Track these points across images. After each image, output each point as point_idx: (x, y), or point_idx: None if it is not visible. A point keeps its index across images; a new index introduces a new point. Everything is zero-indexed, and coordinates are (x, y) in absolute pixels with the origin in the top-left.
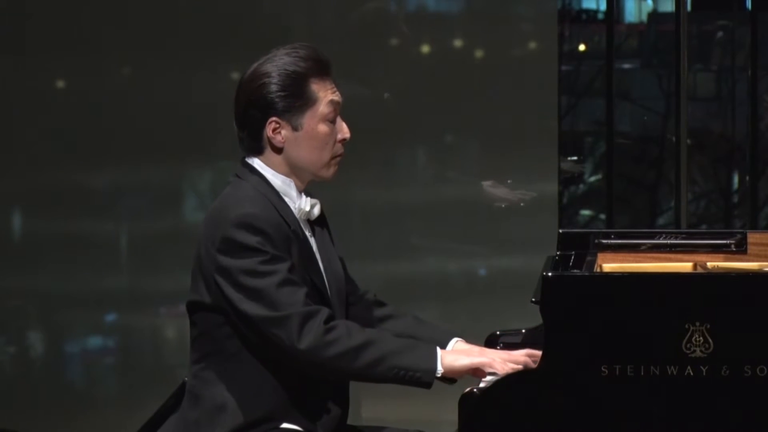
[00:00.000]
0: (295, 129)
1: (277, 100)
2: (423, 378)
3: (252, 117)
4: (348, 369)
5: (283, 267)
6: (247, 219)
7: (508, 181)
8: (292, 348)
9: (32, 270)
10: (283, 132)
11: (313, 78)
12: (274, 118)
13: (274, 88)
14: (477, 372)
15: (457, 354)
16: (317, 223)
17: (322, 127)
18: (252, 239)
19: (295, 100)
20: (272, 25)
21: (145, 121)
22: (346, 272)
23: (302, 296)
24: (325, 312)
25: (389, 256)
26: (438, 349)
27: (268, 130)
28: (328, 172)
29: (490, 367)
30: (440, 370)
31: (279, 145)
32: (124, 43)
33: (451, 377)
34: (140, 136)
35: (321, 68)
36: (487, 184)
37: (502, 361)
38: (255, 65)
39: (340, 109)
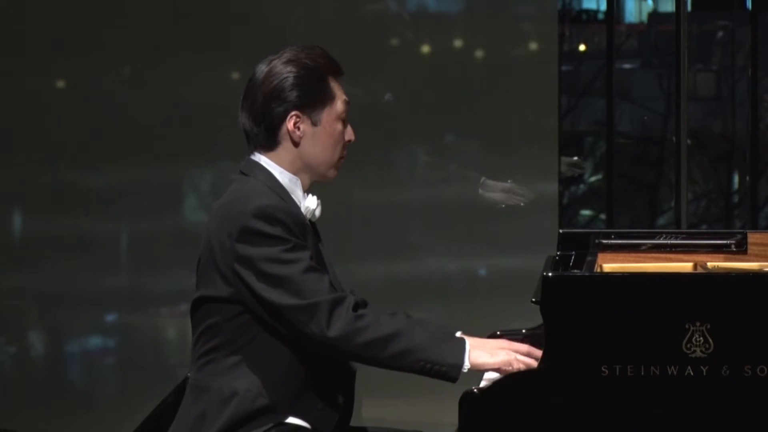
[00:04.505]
0: (314, 124)
1: (299, 94)
2: (449, 373)
3: (273, 111)
4: (375, 358)
5: (305, 255)
6: (267, 210)
7: (509, 181)
8: (322, 335)
9: (32, 270)
10: (302, 126)
11: (330, 75)
12: (295, 112)
13: (297, 81)
14: (499, 369)
15: (483, 351)
16: (315, 227)
17: (338, 126)
18: (273, 229)
19: (317, 94)
20: (272, 25)
21: (145, 121)
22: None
23: (327, 283)
24: (351, 299)
25: (389, 256)
26: (467, 343)
27: (289, 124)
28: (333, 174)
29: (510, 367)
30: (467, 365)
31: (297, 139)
32: (124, 43)
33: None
34: (140, 136)
35: (336, 68)
36: (485, 181)
37: (519, 363)
38: (270, 62)
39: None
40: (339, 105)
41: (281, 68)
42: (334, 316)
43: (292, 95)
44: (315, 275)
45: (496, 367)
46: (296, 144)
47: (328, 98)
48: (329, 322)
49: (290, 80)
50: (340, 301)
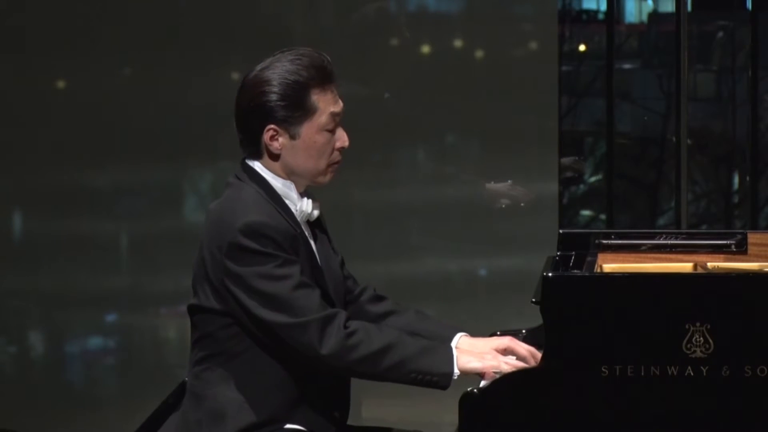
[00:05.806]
0: (292, 138)
1: (276, 108)
2: (440, 382)
3: (250, 122)
4: (368, 372)
5: (295, 270)
6: (255, 226)
7: (509, 181)
8: (314, 353)
9: (32, 270)
10: (281, 140)
11: (314, 88)
12: (272, 126)
13: (273, 96)
14: (486, 374)
15: (470, 356)
16: (316, 225)
17: (320, 137)
18: (262, 246)
19: (295, 110)
20: (272, 25)
21: (145, 121)
22: (345, 269)
23: (318, 299)
24: (343, 315)
25: (389, 256)
26: (454, 350)
27: (266, 137)
28: (324, 179)
29: (498, 368)
30: (457, 373)
31: (276, 151)
32: (124, 43)
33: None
34: (140, 136)
35: (324, 77)
36: (488, 184)
37: (509, 366)
38: (258, 69)
39: (341, 117)
40: (323, 118)
41: (264, 79)
42: (326, 335)
43: (269, 110)
44: (305, 291)
45: (485, 370)
46: (276, 156)
47: (308, 112)
48: (321, 341)
49: (267, 95)
50: (331, 318)
